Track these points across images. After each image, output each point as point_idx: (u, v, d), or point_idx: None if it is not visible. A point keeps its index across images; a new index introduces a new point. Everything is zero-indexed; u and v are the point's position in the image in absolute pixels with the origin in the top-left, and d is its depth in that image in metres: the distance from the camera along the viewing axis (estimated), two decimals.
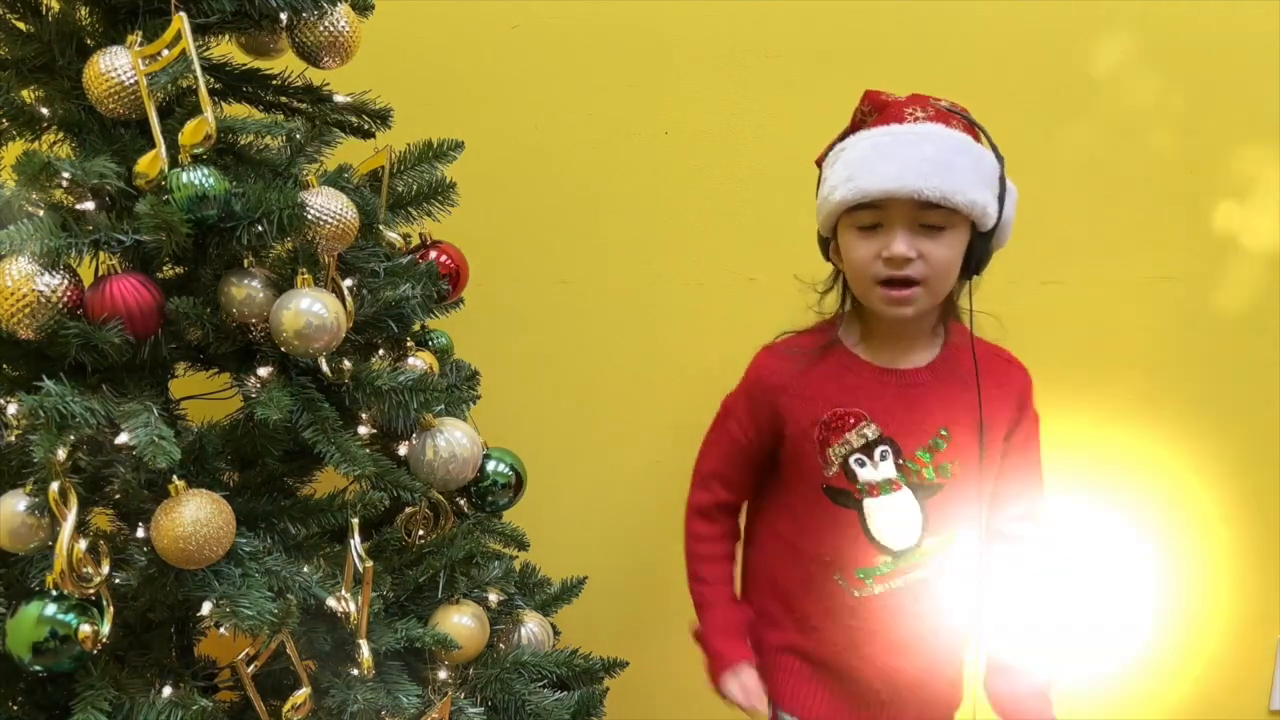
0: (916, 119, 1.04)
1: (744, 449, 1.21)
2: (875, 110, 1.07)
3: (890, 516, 1.11)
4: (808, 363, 1.15)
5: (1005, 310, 1.50)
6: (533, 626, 1.30)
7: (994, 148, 1.07)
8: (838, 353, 1.15)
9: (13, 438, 0.98)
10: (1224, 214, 1.54)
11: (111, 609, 0.96)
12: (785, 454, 1.17)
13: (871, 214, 1.05)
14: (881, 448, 1.11)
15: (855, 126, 1.10)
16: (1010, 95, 1.51)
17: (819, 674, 1.19)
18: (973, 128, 1.07)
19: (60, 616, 0.93)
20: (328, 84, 1.18)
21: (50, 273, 0.94)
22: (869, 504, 1.11)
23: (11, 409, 0.95)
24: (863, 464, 1.11)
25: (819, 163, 1.15)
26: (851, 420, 1.11)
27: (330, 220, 1.03)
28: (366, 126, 1.22)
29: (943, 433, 1.11)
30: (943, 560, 1.13)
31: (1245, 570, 1.66)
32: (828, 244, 1.15)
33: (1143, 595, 1.67)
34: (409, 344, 1.22)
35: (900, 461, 1.11)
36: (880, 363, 1.13)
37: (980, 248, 1.08)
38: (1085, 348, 1.59)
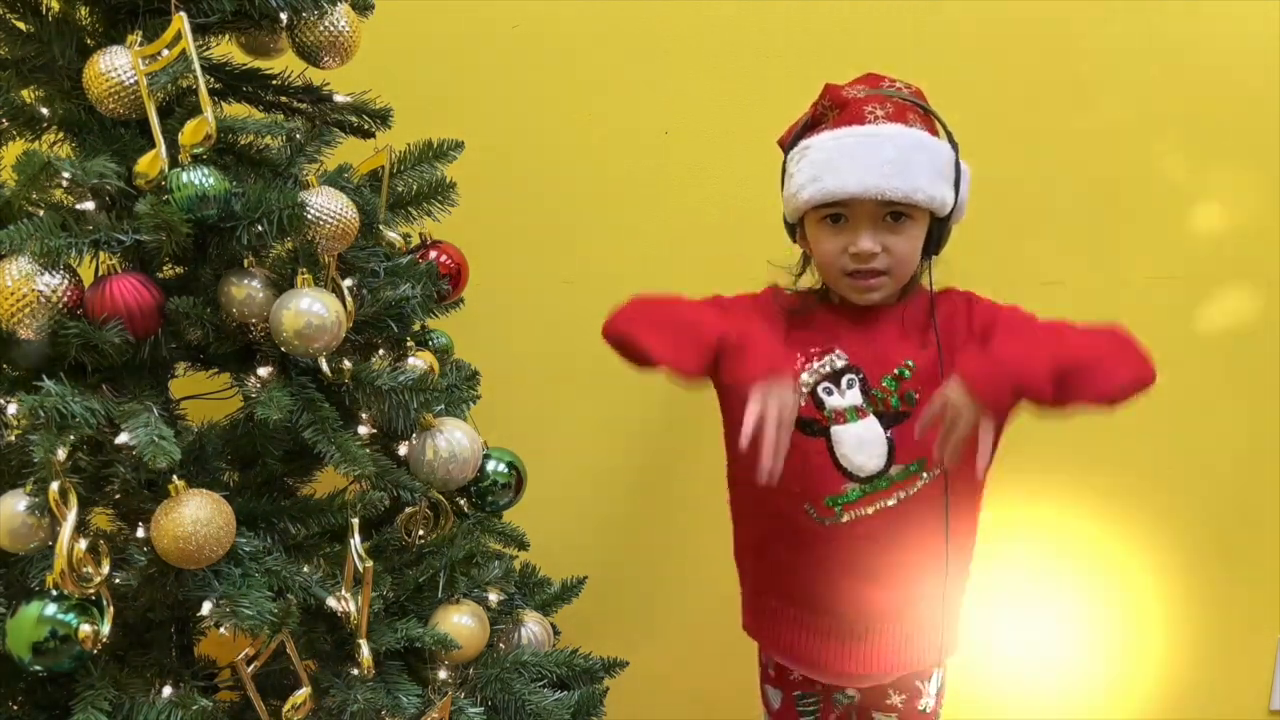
0: (876, 118, 1.09)
1: (730, 315, 1.15)
2: (836, 107, 1.11)
3: (857, 443, 1.14)
4: (794, 306, 1.21)
5: None
6: (533, 626, 1.30)
7: (948, 133, 1.13)
8: (820, 305, 1.21)
9: (13, 438, 0.98)
10: (1224, 214, 1.54)
11: (111, 609, 0.96)
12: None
13: (836, 209, 1.11)
14: (848, 376, 1.15)
15: (817, 121, 1.14)
16: (1010, 95, 1.52)
17: (797, 612, 1.20)
18: (928, 117, 1.12)
19: (60, 616, 0.93)
20: (328, 84, 1.18)
21: (50, 273, 0.94)
22: (836, 431, 1.14)
23: (11, 409, 0.95)
24: (830, 392, 1.15)
25: (782, 146, 1.19)
26: (820, 351, 1.16)
27: (330, 220, 1.03)
28: (366, 126, 1.22)
29: (908, 363, 1.14)
30: (912, 488, 1.15)
31: (1245, 570, 1.66)
32: (794, 229, 1.21)
33: (1142, 595, 1.67)
34: (409, 344, 1.22)
35: (867, 389, 1.14)
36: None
37: (939, 230, 1.14)
38: None
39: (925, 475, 1.14)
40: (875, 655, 1.18)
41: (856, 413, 1.14)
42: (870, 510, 1.14)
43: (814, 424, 1.15)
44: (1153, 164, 1.53)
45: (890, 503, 1.14)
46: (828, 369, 1.15)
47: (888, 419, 1.14)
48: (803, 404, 1.15)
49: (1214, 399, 1.60)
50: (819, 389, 1.15)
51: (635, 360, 1.11)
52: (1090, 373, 1.02)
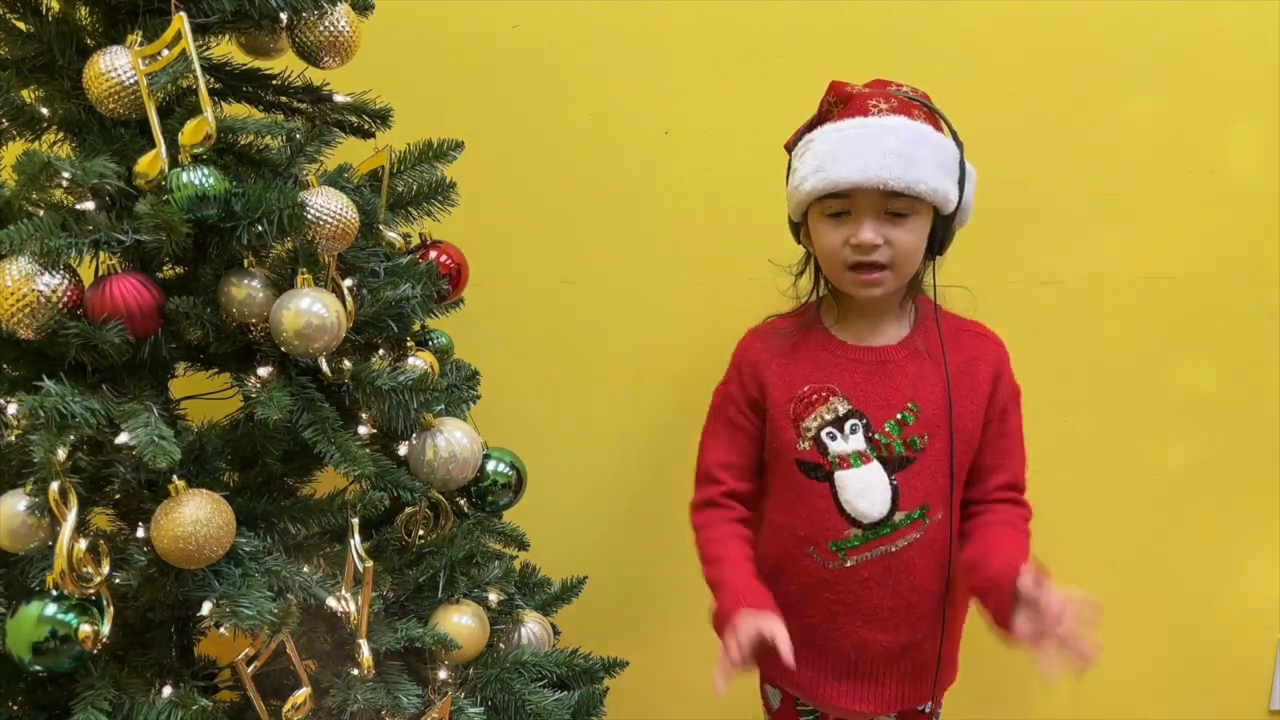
0: (880, 111, 1.10)
1: (747, 431, 1.23)
2: (841, 102, 1.12)
3: (861, 489, 1.14)
4: (788, 342, 1.21)
5: (1005, 310, 1.51)
6: (533, 626, 1.30)
7: (954, 134, 1.13)
8: (815, 333, 1.21)
9: (13, 438, 0.98)
10: (1224, 214, 1.54)
11: (111, 609, 0.96)
12: (765, 432, 1.21)
13: (840, 202, 1.11)
14: (851, 421, 1.15)
15: (822, 117, 1.14)
16: (1010, 95, 1.51)
17: (801, 649, 1.20)
18: (933, 115, 1.13)
19: (60, 616, 0.93)
20: (328, 84, 1.18)
21: (50, 273, 0.94)
22: (839, 476, 1.15)
23: (11, 409, 0.95)
24: (834, 437, 1.15)
25: (788, 148, 1.20)
26: (824, 394, 1.16)
27: (330, 220, 1.03)
28: (366, 126, 1.22)
29: (911, 406, 1.15)
30: (915, 534, 1.15)
31: (1245, 570, 1.65)
32: (798, 228, 1.21)
33: (1142, 595, 1.67)
34: (409, 344, 1.22)
35: (870, 435, 1.15)
36: (853, 341, 1.19)
37: (943, 229, 1.14)
38: (1085, 348, 1.59)
39: (928, 521, 1.15)
40: (878, 693, 1.20)
41: (860, 458, 1.14)
42: (873, 555, 1.15)
43: (818, 469, 1.16)
44: (1153, 164, 1.53)
45: (894, 549, 1.15)
46: (830, 415, 1.15)
47: (891, 465, 1.14)
48: (806, 449, 1.16)
49: (1214, 399, 1.60)
50: (822, 434, 1.15)
51: None
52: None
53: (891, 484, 1.14)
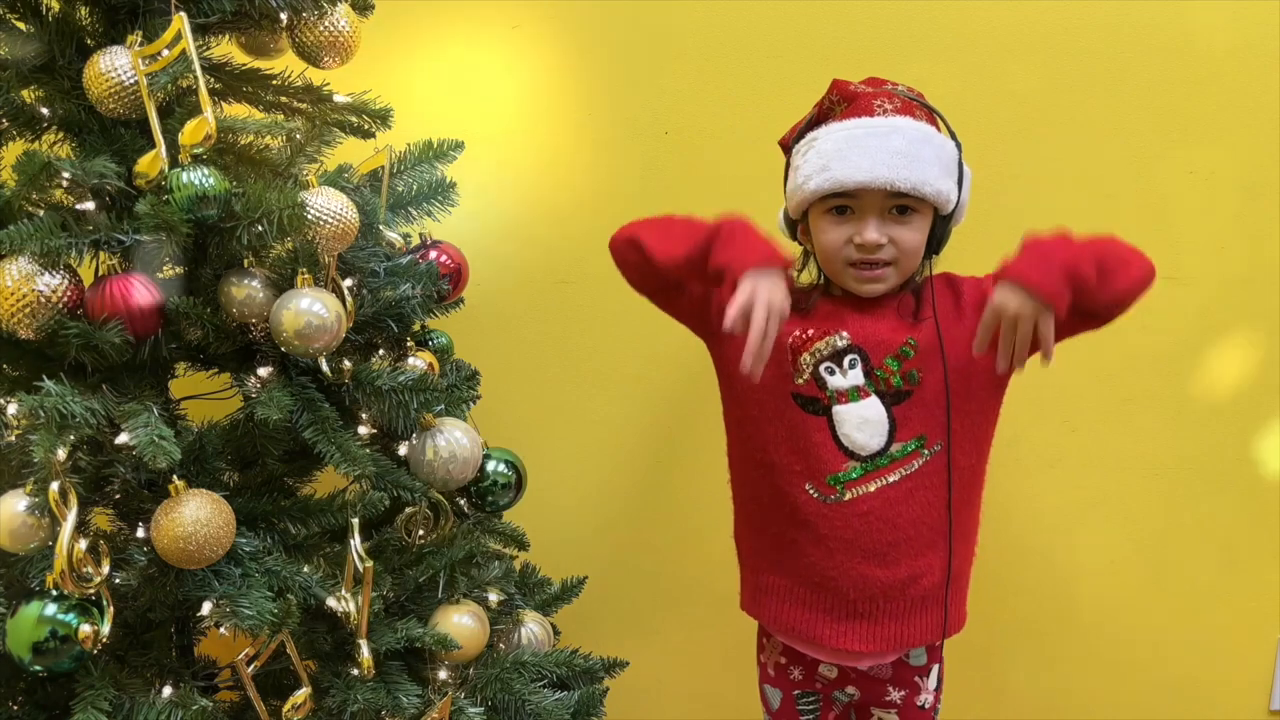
0: (886, 111, 1.10)
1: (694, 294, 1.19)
2: (845, 100, 1.12)
3: (859, 422, 1.14)
4: (796, 296, 1.17)
5: None
6: (533, 626, 1.30)
7: (952, 134, 1.13)
8: (821, 295, 1.20)
9: (13, 438, 0.98)
10: (1224, 214, 1.54)
11: (111, 609, 0.96)
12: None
13: (843, 200, 1.11)
14: (850, 355, 1.15)
15: (824, 116, 1.14)
16: (1010, 95, 1.52)
17: (798, 589, 1.20)
18: (932, 115, 1.13)
19: (60, 616, 0.93)
20: (328, 84, 1.18)
21: (50, 273, 0.94)
22: (838, 410, 1.15)
23: (11, 409, 0.95)
24: (832, 371, 1.15)
25: (784, 145, 1.19)
26: (823, 331, 1.16)
27: (330, 220, 1.03)
28: (366, 126, 1.22)
29: (909, 341, 1.15)
30: (913, 465, 1.15)
31: (1245, 570, 1.66)
32: (794, 226, 1.21)
33: (1142, 595, 1.67)
34: (409, 344, 1.22)
35: (869, 369, 1.15)
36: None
37: (941, 229, 1.15)
38: (1085, 347, 1.58)
39: (926, 452, 1.15)
40: (877, 632, 1.18)
41: (858, 392, 1.14)
42: (872, 488, 1.15)
43: (816, 403, 1.15)
44: (1153, 163, 1.53)
45: (892, 479, 1.15)
46: (829, 349, 1.15)
47: (889, 398, 1.14)
48: (803, 383, 1.16)
49: (1214, 398, 1.60)
50: (821, 368, 1.15)
51: (635, 262, 1.18)
52: (1119, 259, 1.06)
53: (890, 417, 1.14)
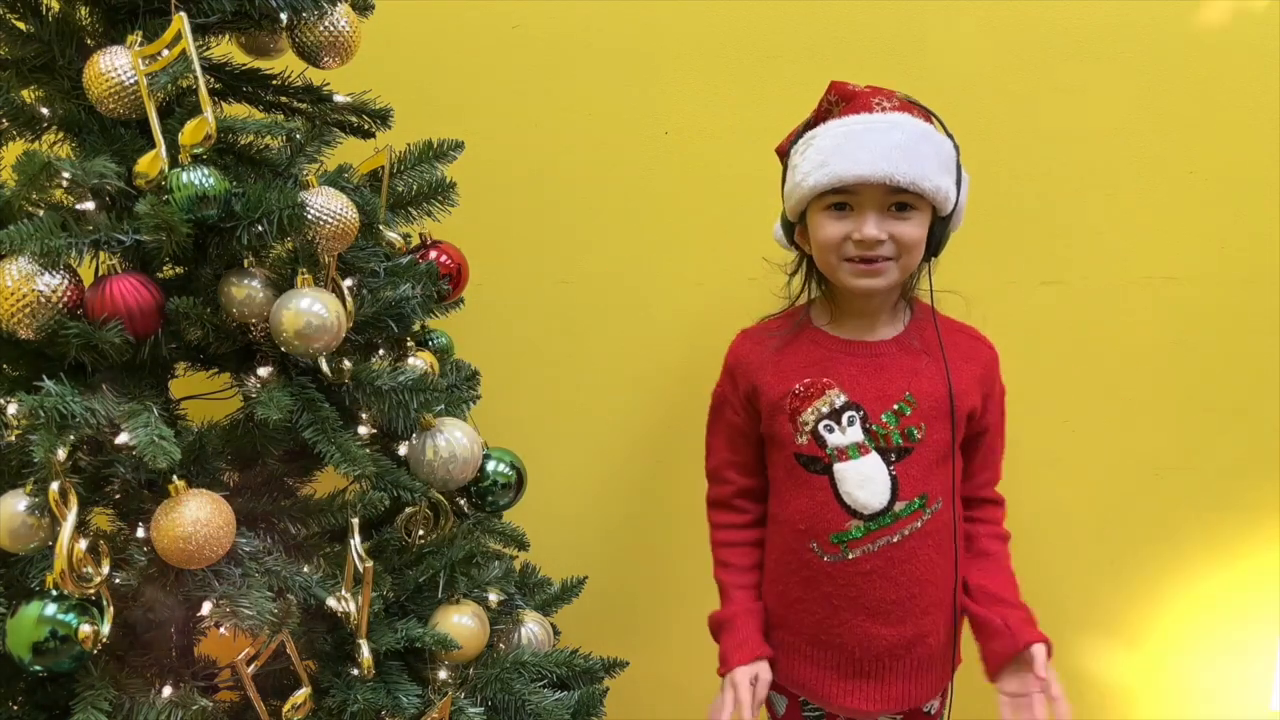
0: (884, 109, 1.11)
1: (744, 431, 1.25)
2: (844, 100, 1.13)
3: (860, 480, 1.15)
4: (780, 341, 1.22)
5: (1006, 310, 1.51)
6: (533, 626, 1.30)
7: (949, 135, 1.14)
8: (807, 331, 1.22)
9: (13, 438, 0.98)
10: (1224, 214, 1.54)
11: (111, 609, 0.96)
12: (762, 430, 1.22)
13: (842, 197, 1.11)
14: (849, 413, 1.15)
15: (822, 115, 1.14)
16: (1009, 95, 1.51)
17: (807, 647, 1.22)
18: (929, 115, 1.13)
19: (60, 616, 0.93)
20: (328, 84, 1.18)
21: (50, 273, 0.94)
22: (839, 469, 1.15)
23: (11, 409, 0.95)
24: (831, 429, 1.16)
25: (780, 152, 1.20)
26: (820, 388, 1.17)
27: (330, 220, 1.03)
28: (366, 126, 1.22)
29: (908, 397, 1.15)
30: (916, 523, 1.16)
31: (1245, 570, 1.65)
32: (790, 230, 1.21)
33: (1142, 595, 1.67)
34: (409, 344, 1.22)
35: (868, 426, 1.15)
36: (847, 336, 1.20)
37: (939, 231, 1.15)
38: (1085, 348, 1.59)
39: (928, 511, 1.15)
40: (885, 692, 1.20)
41: (858, 449, 1.15)
42: (875, 547, 1.15)
43: (817, 462, 1.16)
44: (1152, 164, 1.53)
45: (895, 539, 1.15)
46: (827, 408, 1.16)
47: (889, 454, 1.15)
48: (804, 442, 1.17)
49: (1214, 398, 1.60)
50: (820, 426, 1.16)
51: None
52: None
53: (891, 474, 1.14)
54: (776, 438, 1.20)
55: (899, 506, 1.14)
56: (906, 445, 1.15)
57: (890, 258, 1.12)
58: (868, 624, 1.17)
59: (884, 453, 1.15)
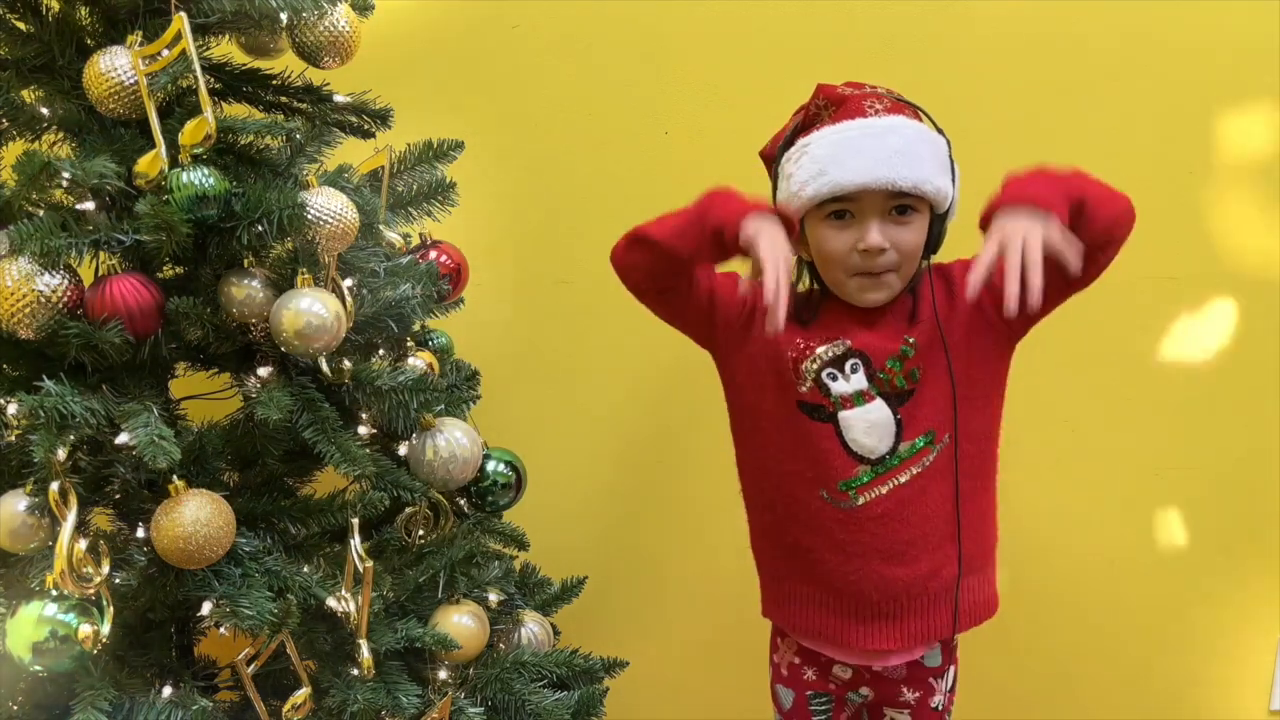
0: (877, 111, 1.09)
1: (719, 295, 1.19)
2: (833, 104, 1.11)
3: (866, 426, 1.14)
4: (802, 302, 1.19)
5: None
6: (533, 626, 1.30)
7: (940, 131, 1.13)
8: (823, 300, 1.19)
9: (13, 438, 0.98)
10: (1224, 214, 1.54)
11: (111, 609, 0.96)
12: (758, 376, 1.19)
13: (842, 205, 1.10)
14: (852, 360, 1.14)
15: (811, 121, 1.13)
16: (1009, 96, 1.51)
17: (820, 595, 1.20)
18: (918, 113, 1.12)
19: (60, 616, 0.93)
20: (328, 84, 1.18)
21: (50, 273, 0.94)
22: (844, 416, 1.14)
23: (11, 409, 0.95)
24: (834, 378, 1.14)
25: (765, 156, 1.19)
26: (823, 336, 1.15)
27: (330, 220, 1.03)
28: (366, 126, 1.22)
29: (909, 340, 1.14)
30: (925, 461, 1.15)
31: (1245, 570, 1.66)
32: None
33: (1142, 594, 1.67)
34: (409, 344, 1.22)
35: (871, 372, 1.14)
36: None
37: (938, 228, 1.13)
38: (1085, 348, 1.59)
39: (935, 447, 1.15)
40: (903, 629, 1.18)
41: (863, 396, 1.14)
42: (884, 490, 1.14)
43: (821, 410, 1.15)
44: (1153, 164, 1.53)
45: (903, 479, 1.14)
46: (829, 355, 1.15)
47: (894, 399, 1.14)
48: (807, 390, 1.15)
49: (1214, 398, 1.60)
50: (823, 375, 1.15)
51: (639, 260, 1.16)
52: (1100, 186, 1.09)
53: (896, 418, 1.14)
54: (778, 383, 1.16)
55: (904, 447, 1.14)
56: (910, 387, 1.14)
57: (892, 268, 1.11)
58: (883, 567, 1.16)
59: (888, 397, 1.14)
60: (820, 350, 1.15)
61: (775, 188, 1.17)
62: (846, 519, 1.15)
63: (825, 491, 1.16)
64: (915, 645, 1.20)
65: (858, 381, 1.14)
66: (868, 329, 1.15)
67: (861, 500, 1.15)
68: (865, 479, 1.14)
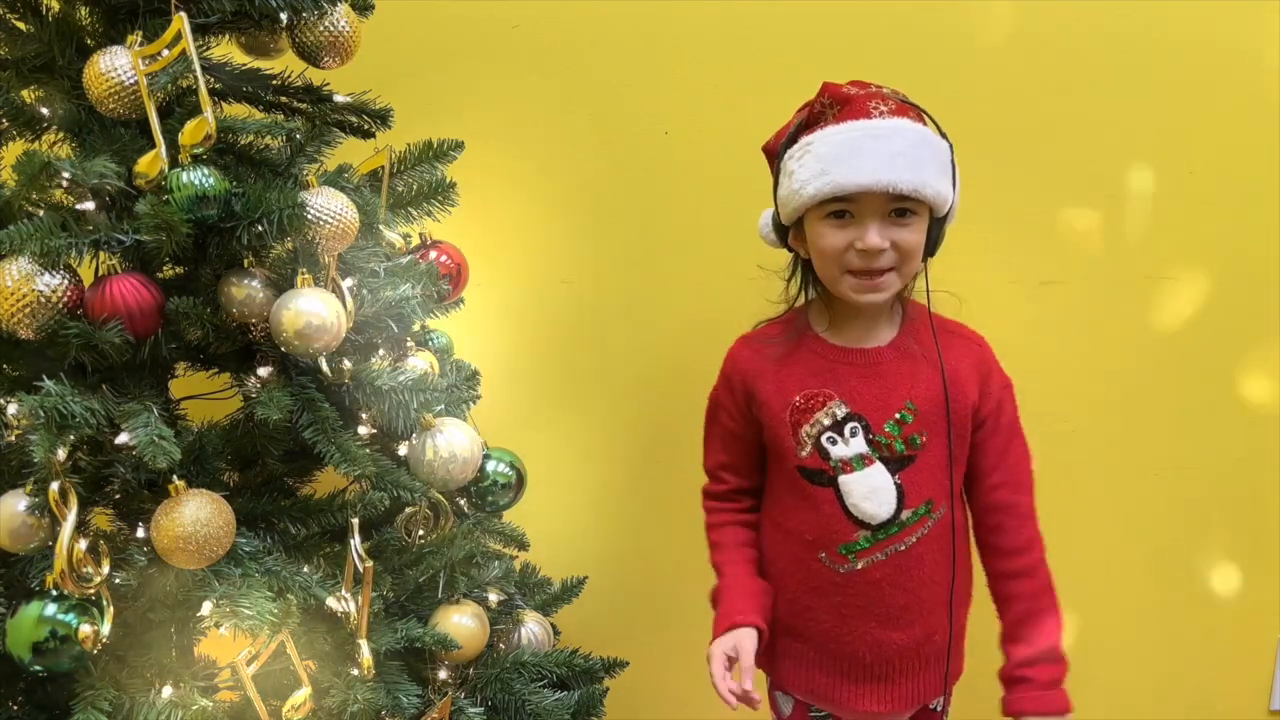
0: (881, 113, 1.09)
1: (739, 436, 1.25)
2: (838, 104, 1.11)
3: (866, 491, 1.14)
4: (778, 350, 1.21)
5: (1005, 310, 1.51)
6: (533, 626, 1.30)
7: (943, 135, 1.13)
8: (806, 339, 1.20)
9: (13, 438, 0.98)
10: (1224, 214, 1.54)
11: (111, 609, 0.96)
12: (764, 439, 1.22)
13: (842, 205, 1.10)
14: (851, 424, 1.15)
15: (815, 119, 1.13)
16: (1009, 96, 1.51)
17: (816, 654, 1.22)
18: (922, 116, 1.12)
19: (60, 616, 0.93)
20: (328, 84, 1.18)
21: (50, 273, 0.94)
22: (844, 480, 1.15)
23: (11, 409, 0.95)
24: (834, 441, 1.15)
25: (769, 151, 1.19)
26: (820, 400, 1.16)
27: (330, 220, 1.03)
28: (366, 126, 1.22)
29: (909, 405, 1.14)
30: (922, 529, 1.16)
31: (1245, 570, 1.65)
32: (784, 233, 1.20)
33: (1142, 594, 1.67)
34: (409, 344, 1.22)
35: (870, 436, 1.15)
36: (845, 344, 1.19)
37: (936, 230, 1.14)
38: (1085, 348, 1.59)
39: (933, 516, 1.16)
40: (895, 692, 1.21)
41: (863, 460, 1.15)
42: (883, 555, 1.15)
43: (821, 474, 1.16)
44: (1152, 164, 1.53)
45: (902, 547, 1.15)
46: (829, 420, 1.15)
47: (893, 464, 1.15)
48: (807, 455, 1.16)
49: (1213, 399, 1.60)
50: (823, 439, 1.15)
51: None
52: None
53: (896, 483, 1.14)
54: (777, 450, 1.19)
55: (905, 515, 1.14)
56: (910, 453, 1.14)
57: (891, 268, 1.11)
58: (878, 630, 1.17)
59: (888, 462, 1.14)
60: (819, 414, 1.16)
61: (777, 183, 1.17)
62: (844, 582, 1.17)
63: (825, 554, 1.17)
64: (905, 708, 1.22)
65: (857, 445, 1.15)
66: (864, 379, 1.16)
67: (860, 565, 1.16)
68: (864, 544, 1.15)
